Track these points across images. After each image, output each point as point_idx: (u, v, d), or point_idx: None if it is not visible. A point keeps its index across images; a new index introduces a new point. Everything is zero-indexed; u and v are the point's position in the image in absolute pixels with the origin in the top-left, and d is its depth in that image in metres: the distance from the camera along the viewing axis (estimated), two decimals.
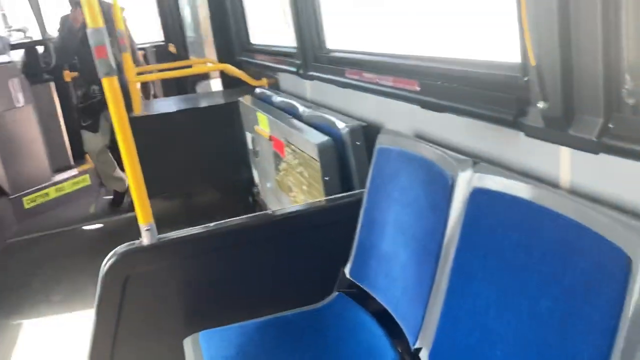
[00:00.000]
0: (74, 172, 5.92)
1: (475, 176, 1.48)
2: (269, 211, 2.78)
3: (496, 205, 1.41)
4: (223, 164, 4.11)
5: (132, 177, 1.85)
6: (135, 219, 1.92)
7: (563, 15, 1.20)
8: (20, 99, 5.23)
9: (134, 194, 1.86)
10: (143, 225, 1.89)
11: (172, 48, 7.07)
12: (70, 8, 4.76)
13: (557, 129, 1.30)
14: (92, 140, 5.11)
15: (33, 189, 5.44)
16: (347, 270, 1.98)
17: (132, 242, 1.93)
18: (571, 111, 1.25)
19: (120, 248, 1.91)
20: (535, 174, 1.52)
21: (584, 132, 1.23)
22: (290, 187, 2.82)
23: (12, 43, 5.59)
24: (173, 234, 1.97)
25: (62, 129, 5.89)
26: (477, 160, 1.54)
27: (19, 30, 5.94)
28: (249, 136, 3.70)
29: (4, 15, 6.23)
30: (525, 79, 1.40)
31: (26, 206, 5.35)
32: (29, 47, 5.71)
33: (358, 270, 1.96)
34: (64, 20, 4.86)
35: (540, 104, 1.31)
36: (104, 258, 1.90)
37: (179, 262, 1.99)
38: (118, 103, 1.82)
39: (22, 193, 5.33)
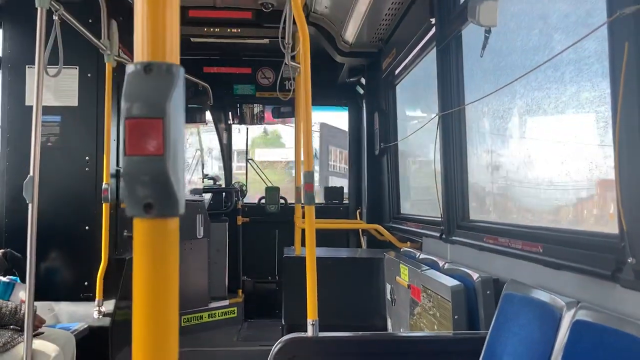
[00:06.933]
0: (225, 303, 6.72)
1: (578, 313, 1.90)
2: (409, 333, 3.22)
3: (592, 336, 1.81)
4: (360, 309, 4.62)
5: (310, 281, 2.46)
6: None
7: None
8: (201, 232, 6.30)
9: (309, 294, 2.46)
10: (310, 320, 2.46)
11: None
12: None
13: None
14: None
15: (191, 310, 6.27)
16: None
17: (300, 332, 2.49)
18: None
19: (290, 335, 2.48)
20: (627, 313, 1.89)
21: None
22: (422, 328, 3.26)
23: (205, 187, 6.88)
24: (330, 333, 2.51)
25: (226, 264, 6.84)
26: (580, 301, 1.97)
27: (211, 178, 7.29)
28: (388, 287, 4.24)
29: (203, 164, 7.70)
30: (623, 244, 1.86)
31: (183, 323, 6.14)
32: (215, 192, 6.95)
33: None
34: None
35: (630, 259, 1.76)
36: None
37: (332, 357, 2.50)
38: None
39: (182, 312, 6.16)
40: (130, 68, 0.74)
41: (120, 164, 4.42)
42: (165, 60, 0.74)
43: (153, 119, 0.71)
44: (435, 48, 3.90)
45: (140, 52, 0.74)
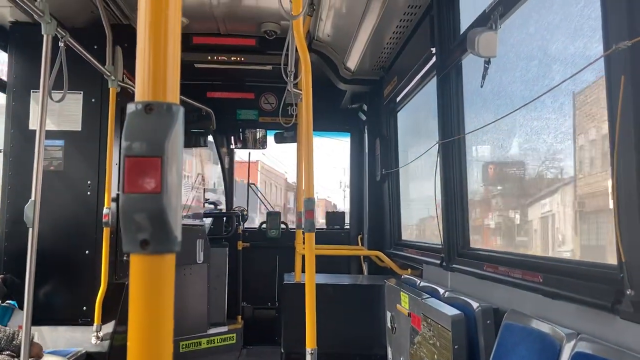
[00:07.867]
0: (224, 329, 6.67)
1: (578, 344, 1.89)
2: None
3: None
4: (361, 336, 4.59)
5: (309, 309, 2.46)
6: None
7: None
8: (201, 257, 6.28)
9: (308, 323, 2.45)
10: (308, 349, 2.45)
11: None
12: None
13: None
14: None
15: (190, 336, 6.22)
16: None
17: None
18: None
19: None
20: (626, 346, 1.88)
21: None
22: (422, 358, 3.23)
23: (205, 212, 6.88)
24: None
25: (225, 290, 6.81)
26: (580, 333, 1.96)
27: (212, 203, 7.30)
28: (388, 315, 4.22)
29: (204, 190, 7.72)
30: (622, 275, 1.86)
31: (181, 349, 6.10)
32: (216, 217, 6.96)
33: None
34: None
35: (629, 291, 1.76)
36: None
37: None
38: None
39: (180, 337, 6.11)
40: (131, 107, 0.76)
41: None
42: (165, 100, 0.76)
43: (152, 157, 0.73)
44: (435, 77, 3.94)
45: (142, 92, 0.76)
